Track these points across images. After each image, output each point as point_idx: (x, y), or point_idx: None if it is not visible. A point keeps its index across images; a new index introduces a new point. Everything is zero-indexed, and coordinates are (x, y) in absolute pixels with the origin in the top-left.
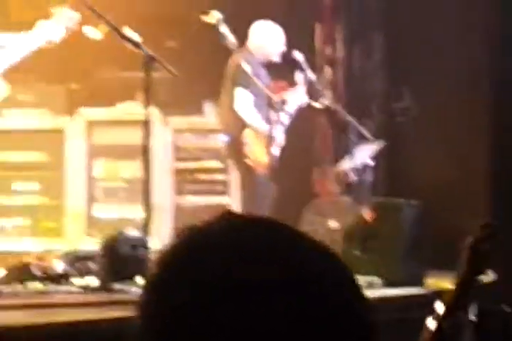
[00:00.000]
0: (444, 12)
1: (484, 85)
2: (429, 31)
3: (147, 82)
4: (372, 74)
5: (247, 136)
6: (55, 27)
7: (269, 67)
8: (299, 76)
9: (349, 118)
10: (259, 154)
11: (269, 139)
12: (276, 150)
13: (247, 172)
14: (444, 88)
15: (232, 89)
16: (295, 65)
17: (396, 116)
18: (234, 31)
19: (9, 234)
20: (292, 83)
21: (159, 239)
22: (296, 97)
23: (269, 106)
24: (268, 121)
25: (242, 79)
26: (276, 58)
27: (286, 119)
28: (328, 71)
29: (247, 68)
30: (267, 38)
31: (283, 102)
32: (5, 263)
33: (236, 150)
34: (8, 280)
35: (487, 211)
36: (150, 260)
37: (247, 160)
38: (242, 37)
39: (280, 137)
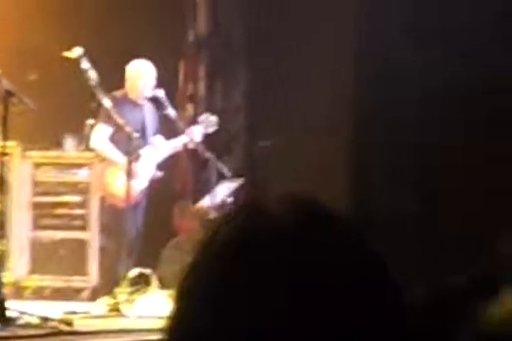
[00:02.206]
0: (309, 49)
1: (344, 122)
2: (293, 68)
3: (5, 116)
4: (234, 111)
5: (106, 170)
6: None
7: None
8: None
9: (209, 155)
10: (117, 188)
11: (129, 173)
12: (138, 184)
13: (106, 206)
14: (305, 126)
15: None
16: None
17: (258, 153)
18: (97, 68)
19: None
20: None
21: (15, 274)
22: (181, 140)
23: (130, 141)
24: (129, 156)
25: (103, 115)
26: (148, 93)
27: (158, 155)
28: (189, 108)
29: (108, 104)
30: (140, 75)
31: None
32: None
33: (95, 184)
34: None
35: None
36: (2, 294)
37: (105, 194)
38: (104, 73)
39: (146, 171)
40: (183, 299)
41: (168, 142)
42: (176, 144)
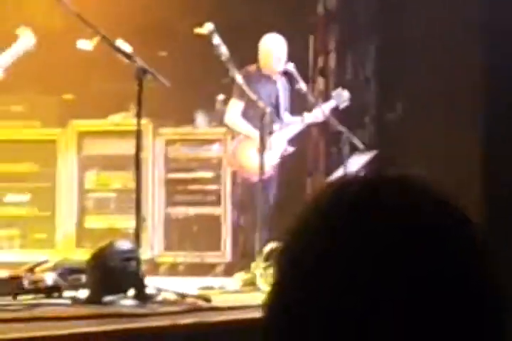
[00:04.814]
0: (435, 23)
1: (475, 96)
2: (421, 42)
3: (139, 93)
4: (365, 84)
5: (239, 145)
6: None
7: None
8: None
9: (341, 128)
10: (250, 163)
11: (262, 148)
12: (271, 159)
13: (239, 181)
14: (434, 98)
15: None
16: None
17: (388, 126)
18: (226, 42)
19: None
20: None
21: (150, 250)
22: (313, 115)
23: (263, 116)
24: (262, 130)
25: (236, 91)
26: (280, 68)
27: (289, 131)
28: (320, 82)
29: (240, 79)
30: (272, 50)
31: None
32: None
33: (229, 159)
34: None
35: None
36: (141, 272)
37: (238, 169)
38: (233, 48)
39: (278, 147)
40: (281, 272)
41: (300, 118)
42: (308, 120)
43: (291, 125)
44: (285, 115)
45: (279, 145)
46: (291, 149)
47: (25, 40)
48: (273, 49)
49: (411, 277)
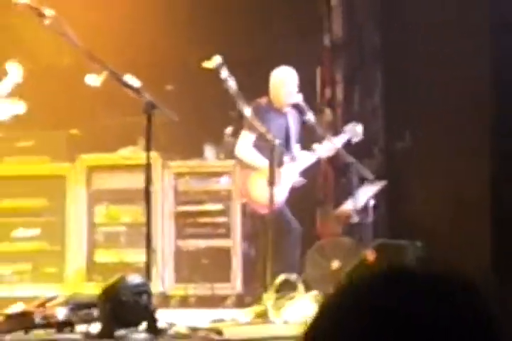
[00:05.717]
0: (443, 50)
1: (484, 120)
2: (429, 70)
3: (148, 128)
4: (372, 114)
5: (248, 177)
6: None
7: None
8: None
9: (350, 159)
10: (260, 194)
11: (272, 179)
12: (281, 192)
13: (249, 213)
14: (443, 127)
15: None
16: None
17: (397, 156)
18: (236, 74)
19: (10, 279)
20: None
21: (161, 284)
22: (325, 149)
23: (272, 148)
24: (273, 163)
25: (246, 123)
26: (291, 100)
27: (301, 164)
28: (328, 113)
29: (248, 112)
30: (283, 83)
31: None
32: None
33: (237, 191)
34: (10, 328)
35: (487, 248)
36: (152, 305)
37: (247, 201)
38: (243, 80)
39: (289, 179)
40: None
41: (311, 152)
42: (320, 154)
43: (303, 158)
44: (295, 147)
45: (290, 178)
46: (303, 181)
47: (13, 74)
48: (284, 82)
49: None
